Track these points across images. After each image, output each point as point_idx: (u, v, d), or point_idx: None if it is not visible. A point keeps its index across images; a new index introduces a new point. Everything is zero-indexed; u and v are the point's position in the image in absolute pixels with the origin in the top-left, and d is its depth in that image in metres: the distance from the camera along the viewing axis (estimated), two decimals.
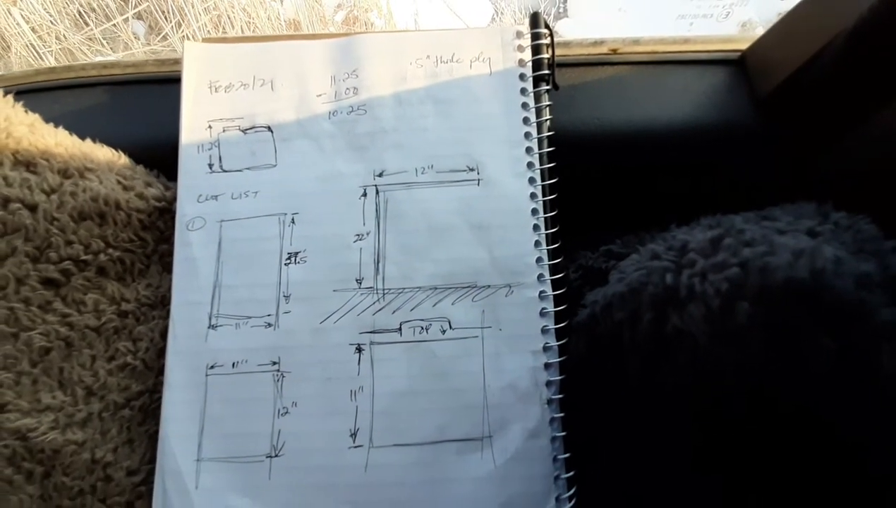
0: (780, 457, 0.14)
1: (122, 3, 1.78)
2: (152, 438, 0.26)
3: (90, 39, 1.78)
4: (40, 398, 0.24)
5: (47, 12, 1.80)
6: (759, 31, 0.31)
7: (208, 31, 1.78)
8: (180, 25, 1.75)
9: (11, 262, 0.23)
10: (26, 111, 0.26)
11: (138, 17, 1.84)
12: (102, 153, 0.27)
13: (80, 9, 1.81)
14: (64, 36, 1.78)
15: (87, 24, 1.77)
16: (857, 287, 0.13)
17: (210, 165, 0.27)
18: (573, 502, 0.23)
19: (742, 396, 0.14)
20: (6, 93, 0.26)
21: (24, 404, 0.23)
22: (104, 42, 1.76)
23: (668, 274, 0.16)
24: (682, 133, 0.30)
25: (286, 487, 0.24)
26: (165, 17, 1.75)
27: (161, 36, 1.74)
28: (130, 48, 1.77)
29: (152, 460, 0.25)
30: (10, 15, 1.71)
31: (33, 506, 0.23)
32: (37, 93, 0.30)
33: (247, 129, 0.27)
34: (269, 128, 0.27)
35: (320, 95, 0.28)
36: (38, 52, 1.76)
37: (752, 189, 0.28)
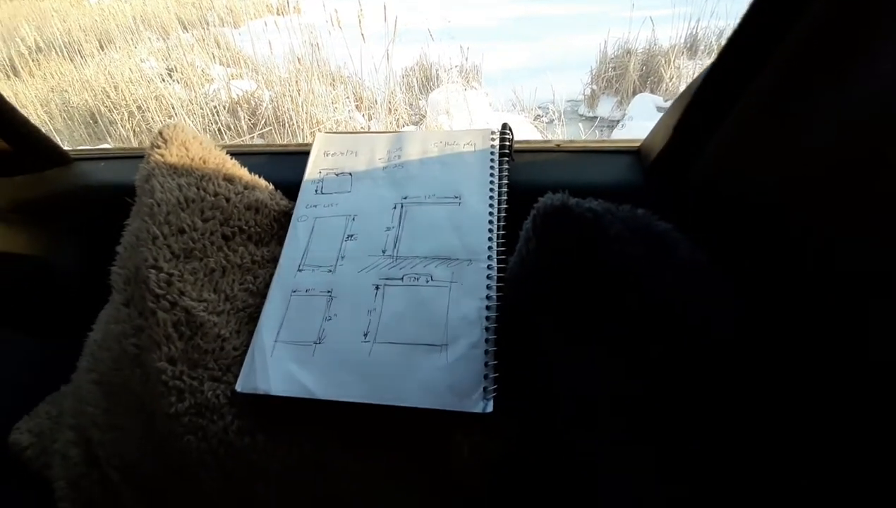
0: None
1: (252, 125, 2.44)
2: (250, 333, 0.45)
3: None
4: (202, 294, 0.45)
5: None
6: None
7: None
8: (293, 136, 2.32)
9: (210, 222, 0.47)
10: (232, 157, 0.54)
11: (261, 136, 2.47)
12: (262, 182, 0.53)
13: (220, 127, 2.49)
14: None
15: (223, 138, 2.41)
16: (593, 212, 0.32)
17: (316, 190, 0.52)
18: (495, 393, 0.38)
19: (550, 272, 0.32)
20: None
21: (194, 294, 0.45)
22: None
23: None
24: (601, 188, 0.50)
25: (323, 362, 0.41)
26: (280, 135, 2.34)
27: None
28: None
29: (246, 344, 0.44)
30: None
31: (178, 355, 0.42)
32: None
33: (339, 174, 0.52)
34: (350, 174, 0.52)
35: (380, 159, 0.53)
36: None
37: None
